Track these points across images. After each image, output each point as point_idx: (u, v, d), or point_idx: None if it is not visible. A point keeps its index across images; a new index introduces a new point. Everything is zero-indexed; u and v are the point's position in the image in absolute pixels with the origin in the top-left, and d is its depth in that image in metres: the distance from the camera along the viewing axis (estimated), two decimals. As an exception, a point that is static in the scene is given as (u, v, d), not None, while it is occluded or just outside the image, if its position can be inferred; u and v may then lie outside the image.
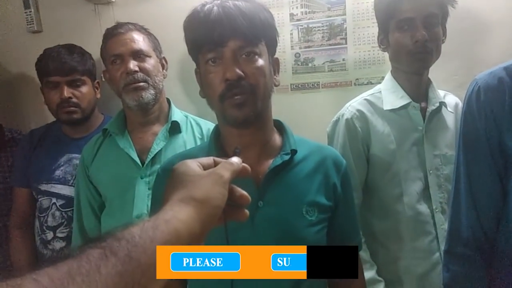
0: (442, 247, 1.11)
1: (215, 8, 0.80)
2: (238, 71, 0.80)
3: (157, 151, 1.30)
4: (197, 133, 1.38)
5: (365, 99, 1.29)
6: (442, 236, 1.17)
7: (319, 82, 1.57)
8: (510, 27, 1.37)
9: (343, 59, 1.53)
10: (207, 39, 0.81)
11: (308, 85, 1.58)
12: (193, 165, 0.56)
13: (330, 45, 1.53)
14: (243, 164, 0.60)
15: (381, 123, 1.24)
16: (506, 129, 0.84)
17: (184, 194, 0.50)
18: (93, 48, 1.57)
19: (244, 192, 0.58)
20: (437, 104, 1.24)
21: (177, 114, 1.39)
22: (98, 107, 1.62)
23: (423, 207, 1.21)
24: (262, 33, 0.84)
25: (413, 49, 1.15)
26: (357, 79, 1.53)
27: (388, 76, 1.30)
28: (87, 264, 0.37)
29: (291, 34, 1.56)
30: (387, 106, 1.25)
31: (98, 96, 1.59)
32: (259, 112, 0.85)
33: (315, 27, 1.54)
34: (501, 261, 0.88)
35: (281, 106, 1.59)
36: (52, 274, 0.35)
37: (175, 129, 1.35)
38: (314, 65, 1.56)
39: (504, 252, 0.87)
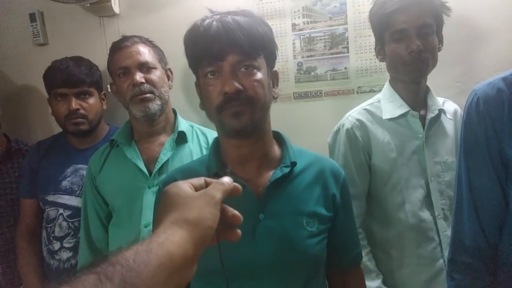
0: (446, 254, 1.15)
1: (214, 23, 0.82)
2: (236, 84, 0.82)
3: (164, 161, 1.32)
4: (203, 143, 1.40)
5: (364, 109, 1.30)
6: (445, 243, 1.18)
7: (321, 90, 1.59)
8: (508, 35, 1.40)
9: (345, 68, 1.55)
10: (206, 53, 0.83)
11: (311, 94, 1.60)
12: (185, 186, 0.56)
13: (332, 54, 1.56)
14: (234, 183, 0.61)
15: (381, 132, 1.25)
16: (505, 139, 0.85)
17: (176, 216, 0.51)
18: (99, 59, 1.60)
19: (236, 212, 0.59)
20: (436, 112, 1.26)
21: (183, 124, 1.41)
22: (104, 118, 1.64)
23: (425, 214, 1.22)
24: (260, 47, 0.86)
25: (409, 59, 1.17)
26: (359, 87, 1.55)
27: (387, 86, 1.32)
28: None
29: (294, 43, 1.59)
30: (386, 115, 1.26)
31: (105, 107, 1.61)
32: (256, 122, 0.86)
33: (317, 36, 1.56)
34: (504, 270, 0.88)
35: (284, 115, 1.63)
36: None
37: (181, 139, 1.37)
38: (317, 73, 1.58)
39: (507, 261, 0.87)
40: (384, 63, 1.29)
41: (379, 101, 1.30)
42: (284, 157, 0.93)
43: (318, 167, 0.94)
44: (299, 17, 1.57)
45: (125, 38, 1.38)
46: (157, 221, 0.52)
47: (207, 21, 0.84)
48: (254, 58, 0.85)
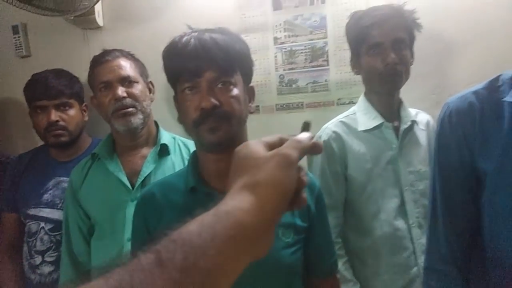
0: (420, 261, 1.18)
1: (192, 40, 0.85)
2: (213, 100, 0.84)
3: (146, 174, 1.32)
4: (185, 155, 1.41)
5: (341, 121, 1.34)
6: (420, 251, 1.22)
7: (303, 102, 1.62)
8: (479, 48, 1.44)
9: (326, 80, 1.58)
10: (184, 69, 0.86)
11: (292, 105, 1.63)
12: (257, 146, 0.48)
13: (312, 66, 1.59)
14: (314, 140, 0.51)
15: (357, 143, 1.29)
16: (477, 151, 0.88)
17: (246, 180, 0.44)
18: (82, 72, 1.59)
19: (302, 175, 0.49)
20: (409, 123, 1.30)
21: (165, 137, 1.42)
22: (86, 130, 1.64)
23: (400, 223, 1.24)
24: (237, 64, 0.89)
25: (384, 71, 1.21)
26: (339, 99, 1.58)
27: (362, 98, 1.36)
28: (140, 274, 0.33)
29: (276, 56, 1.61)
30: (361, 127, 1.30)
31: (86, 119, 1.61)
32: (233, 136, 0.88)
33: (298, 50, 1.59)
34: (477, 278, 0.91)
35: (267, 126, 1.65)
36: (104, 287, 0.32)
37: (163, 151, 1.38)
38: (298, 86, 1.61)
39: (479, 269, 0.90)
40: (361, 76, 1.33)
41: (355, 113, 1.34)
42: None
43: None
44: (280, 31, 1.60)
45: (106, 52, 1.39)
46: (227, 188, 0.46)
47: (185, 38, 0.87)
48: (230, 75, 0.87)
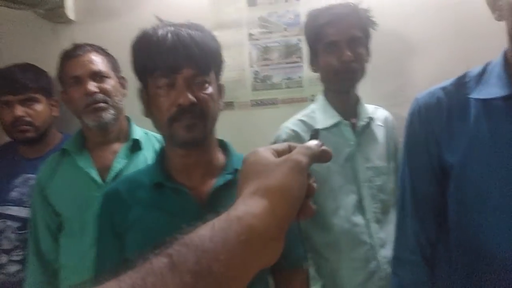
0: (378, 255, 1.22)
1: (169, 35, 0.84)
2: (191, 97, 0.85)
3: (118, 169, 1.30)
4: (158, 150, 1.39)
5: (299, 120, 1.34)
6: (378, 245, 1.23)
7: (277, 98, 1.63)
8: (445, 46, 1.48)
9: (299, 77, 1.60)
10: (161, 64, 0.85)
11: (267, 101, 1.63)
12: (267, 152, 0.48)
13: (287, 63, 1.60)
14: (324, 147, 0.51)
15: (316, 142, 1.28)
16: (444, 145, 0.91)
17: (257, 186, 0.43)
18: (52, 67, 1.55)
19: (312, 181, 0.49)
20: (366, 120, 1.31)
21: (137, 132, 1.40)
22: (58, 126, 1.60)
23: (358, 219, 1.25)
24: (212, 63, 0.90)
25: (340, 69, 1.23)
26: (312, 95, 1.59)
27: (320, 97, 1.37)
28: (153, 278, 0.33)
29: (250, 53, 1.62)
30: (319, 125, 1.29)
31: (55, 114, 1.57)
32: (207, 134, 0.91)
33: (272, 46, 1.60)
34: (443, 266, 0.94)
35: (242, 121, 1.65)
36: None
37: (135, 146, 1.36)
38: (273, 82, 1.62)
39: (445, 258, 0.94)
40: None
41: (314, 111, 1.35)
42: (228, 164, 0.96)
43: None
44: (255, 27, 1.60)
45: (77, 46, 1.36)
46: (237, 194, 0.46)
47: (161, 31, 0.86)
48: (207, 73, 0.89)
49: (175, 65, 0.84)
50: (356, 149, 1.28)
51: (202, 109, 0.87)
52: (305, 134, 1.29)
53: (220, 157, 0.99)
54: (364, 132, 1.31)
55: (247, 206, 0.41)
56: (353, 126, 1.31)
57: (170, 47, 0.83)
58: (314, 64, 1.33)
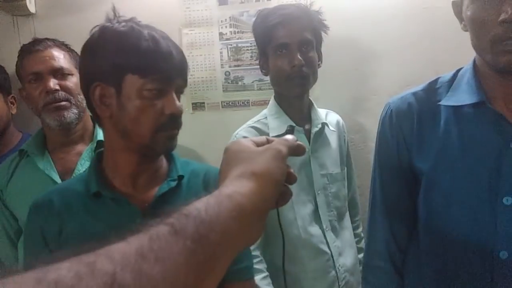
0: (337, 265, 1.22)
1: (161, 39, 0.81)
2: (181, 107, 0.84)
3: (82, 172, 1.24)
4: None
5: (251, 127, 1.28)
6: (336, 254, 1.22)
7: (249, 100, 1.60)
8: (415, 51, 1.51)
9: (271, 78, 1.57)
10: (160, 69, 0.80)
11: (238, 103, 1.61)
12: (248, 142, 0.53)
13: (258, 64, 1.56)
14: (299, 142, 0.56)
15: None
16: (414, 151, 0.91)
17: (242, 169, 0.47)
18: (11, 62, 1.47)
19: (292, 170, 0.54)
20: (320, 125, 1.26)
21: (102, 133, 1.34)
22: (17, 124, 1.52)
23: (315, 229, 1.22)
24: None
25: (291, 74, 1.17)
26: (284, 97, 1.58)
27: (272, 102, 1.31)
28: (158, 241, 0.35)
29: (221, 52, 1.58)
30: (272, 132, 1.23)
31: (14, 111, 1.49)
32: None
33: (244, 46, 1.57)
34: (413, 272, 0.95)
35: (212, 123, 1.62)
36: (125, 250, 0.34)
37: (100, 148, 1.30)
38: (244, 83, 1.59)
39: (415, 264, 0.94)
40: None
41: (266, 117, 1.29)
42: (171, 171, 0.92)
43: (203, 177, 0.94)
44: (226, 27, 1.57)
45: (37, 41, 1.29)
46: (221, 178, 0.49)
47: (150, 34, 0.80)
48: (186, 85, 0.89)
49: (172, 73, 0.82)
50: (310, 156, 1.24)
51: (181, 121, 0.86)
52: None
53: (164, 163, 0.94)
54: (318, 138, 1.27)
55: (235, 187, 0.44)
56: (307, 132, 1.26)
57: (172, 55, 0.81)
58: (264, 67, 1.27)
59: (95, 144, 1.30)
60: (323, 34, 1.27)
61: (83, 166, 1.25)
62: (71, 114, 1.24)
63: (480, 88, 0.83)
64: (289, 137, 0.56)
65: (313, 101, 1.31)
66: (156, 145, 0.83)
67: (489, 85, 0.83)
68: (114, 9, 0.87)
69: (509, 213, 0.79)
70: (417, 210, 0.93)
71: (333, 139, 1.31)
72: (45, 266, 0.30)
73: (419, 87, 0.96)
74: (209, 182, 0.94)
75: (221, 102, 1.62)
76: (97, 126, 1.36)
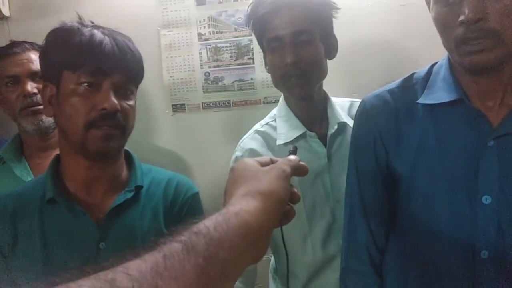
0: None
1: (103, 35, 0.79)
2: (116, 103, 0.79)
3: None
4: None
5: (258, 132, 1.14)
6: None
7: (229, 100, 1.60)
8: (397, 47, 1.53)
9: (251, 78, 1.58)
10: (91, 62, 0.77)
11: (219, 104, 1.61)
12: (253, 162, 0.55)
13: (238, 64, 1.57)
14: (301, 162, 0.58)
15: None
16: (392, 151, 0.88)
17: (248, 188, 0.49)
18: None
19: (295, 190, 0.56)
20: (336, 127, 1.09)
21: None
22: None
23: (331, 245, 1.08)
24: (140, 73, 0.87)
25: (285, 72, 1.01)
26: (265, 97, 1.58)
27: (281, 101, 1.15)
28: (172, 259, 0.37)
29: (200, 53, 1.58)
30: (280, 139, 1.08)
31: (-11, 118, 1.46)
32: (121, 148, 0.86)
33: (223, 47, 1.57)
34: (390, 273, 0.93)
35: (193, 124, 1.62)
36: (141, 267, 0.35)
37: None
38: (224, 84, 1.59)
39: (394, 267, 0.93)
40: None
41: (275, 119, 1.14)
42: (131, 179, 0.89)
43: (164, 186, 0.92)
44: (204, 27, 1.57)
45: (14, 44, 1.28)
46: (227, 196, 0.51)
47: (93, 30, 0.80)
48: (135, 83, 0.85)
49: (106, 66, 0.78)
50: (327, 163, 1.08)
51: (122, 121, 0.81)
52: (264, 150, 1.09)
53: (125, 170, 0.91)
54: (335, 141, 1.10)
55: (242, 205, 0.46)
56: (322, 135, 1.09)
57: (103, 46, 0.78)
58: (266, 63, 1.12)
59: (73, 149, 1.28)
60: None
61: (61, 171, 1.23)
62: (48, 118, 1.22)
63: (457, 85, 0.81)
64: (292, 157, 0.58)
65: (329, 95, 1.15)
66: (88, 143, 0.78)
67: (464, 82, 0.81)
68: (78, 14, 0.87)
69: (488, 212, 0.78)
70: (396, 210, 0.91)
71: None
72: (66, 284, 0.32)
73: (393, 84, 0.93)
74: (169, 192, 0.92)
75: (202, 103, 1.61)
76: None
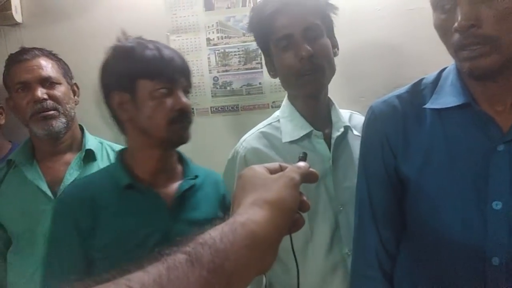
0: None
1: (164, 48, 0.98)
2: (189, 104, 0.99)
3: (70, 181, 1.23)
4: (113, 160, 1.34)
5: (261, 132, 1.12)
6: None
7: (238, 105, 1.61)
8: (406, 51, 1.52)
9: (260, 83, 1.58)
10: (163, 72, 0.95)
11: (227, 108, 1.61)
12: (262, 169, 0.54)
13: (246, 69, 1.58)
14: (311, 169, 0.57)
15: (281, 158, 1.05)
16: (400, 156, 0.87)
17: (255, 197, 0.48)
18: (-1, 72, 1.47)
19: (305, 198, 0.55)
20: (342, 129, 1.08)
21: (91, 142, 1.34)
22: (6, 134, 1.52)
23: (334, 252, 1.04)
24: (191, 75, 1.05)
25: (301, 68, 1.00)
26: (273, 102, 1.58)
27: (285, 102, 1.15)
28: (175, 271, 0.36)
29: (209, 58, 1.59)
30: (286, 138, 1.07)
31: (2, 122, 1.48)
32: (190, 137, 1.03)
33: (231, 51, 1.58)
34: (402, 280, 0.92)
35: (202, 128, 1.62)
36: (143, 279, 0.34)
37: (89, 157, 1.30)
38: (233, 88, 1.59)
39: (404, 271, 0.92)
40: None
41: (278, 120, 1.13)
42: (187, 171, 1.06)
43: (212, 179, 1.11)
44: (213, 32, 1.58)
45: (24, 50, 1.29)
46: (235, 204, 0.51)
47: (152, 44, 0.98)
48: (191, 85, 1.04)
49: (176, 74, 0.97)
50: (331, 166, 1.06)
51: (190, 116, 1.01)
52: (268, 150, 1.08)
53: (178, 165, 1.08)
54: (340, 144, 1.09)
55: (249, 214, 0.45)
56: (327, 138, 1.08)
57: (174, 59, 0.97)
58: (271, 69, 1.12)
59: (83, 153, 1.30)
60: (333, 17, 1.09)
61: (71, 175, 1.25)
62: (59, 123, 1.24)
63: (465, 89, 0.80)
64: (301, 164, 0.57)
65: (333, 100, 1.15)
66: (172, 136, 0.97)
67: (472, 86, 0.80)
68: (123, 32, 1.03)
69: (499, 218, 0.76)
70: (406, 215, 0.90)
71: (357, 145, 1.08)
72: None
73: (402, 89, 0.92)
74: (219, 184, 1.12)
75: (210, 107, 1.62)
76: (85, 135, 1.36)
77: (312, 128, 1.07)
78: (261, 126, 1.16)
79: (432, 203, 0.83)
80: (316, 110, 1.10)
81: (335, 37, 1.10)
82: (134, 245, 0.93)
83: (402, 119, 0.88)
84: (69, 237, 0.95)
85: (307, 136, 1.08)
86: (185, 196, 1.01)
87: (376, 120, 0.91)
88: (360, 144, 0.97)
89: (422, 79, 0.91)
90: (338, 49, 1.11)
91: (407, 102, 0.89)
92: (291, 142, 1.08)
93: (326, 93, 1.12)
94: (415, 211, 0.88)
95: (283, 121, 1.11)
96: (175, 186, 1.02)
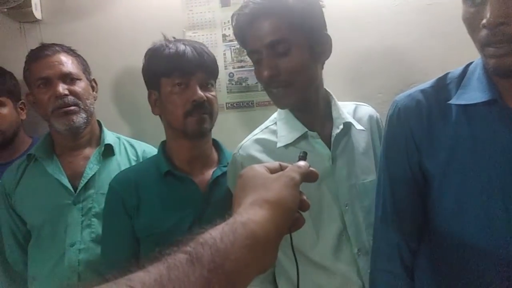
0: None
1: (184, 45, 1.06)
2: (203, 94, 1.05)
3: (90, 175, 1.26)
4: (131, 155, 1.36)
5: (257, 139, 1.08)
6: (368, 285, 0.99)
7: (253, 101, 1.61)
8: (422, 48, 1.51)
9: (275, 79, 1.58)
10: (179, 67, 1.03)
11: (243, 104, 1.62)
12: (262, 169, 0.55)
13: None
14: (311, 168, 0.58)
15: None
16: (424, 151, 0.86)
17: (256, 197, 0.49)
18: (19, 68, 1.49)
19: (305, 197, 0.56)
20: (341, 126, 1.04)
21: (109, 137, 1.36)
22: (27, 129, 1.54)
23: (342, 253, 1.00)
24: (216, 70, 1.13)
25: (266, 86, 1.00)
26: (289, 97, 1.58)
27: None
28: (176, 270, 0.36)
29: (224, 54, 1.59)
30: (280, 142, 1.03)
31: (23, 117, 1.51)
32: (210, 129, 1.12)
33: (247, 48, 1.58)
34: (424, 276, 0.91)
35: (217, 124, 1.63)
36: (144, 279, 0.35)
37: (108, 152, 1.32)
38: (248, 84, 1.60)
39: (426, 267, 0.91)
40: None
41: (275, 123, 1.10)
42: (221, 159, 1.16)
43: None
44: (229, 28, 1.58)
45: (45, 46, 1.31)
46: (235, 204, 0.51)
47: (176, 43, 1.07)
48: (213, 78, 1.11)
49: (190, 68, 1.04)
50: (332, 165, 1.02)
51: (209, 107, 1.07)
52: (264, 156, 1.04)
53: (214, 152, 1.18)
54: (340, 141, 1.05)
55: (249, 214, 0.46)
56: (327, 136, 1.05)
57: (186, 54, 1.04)
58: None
59: (102, 148, 1.32)
60: (324, 10, 1.01)
61: (91, 169, 1.27)
62: (79, 118, 1.26)
63: (492, 85, 0.78)
64: (301, 163, 0.57)
65: (332, 95, 1.11)
66: (188, 128, 1.05)
67: (499, 82, 0.78)
68: (164, 35, 1.13)
69: None
70: (428, 212, 0.89)
71: (362, 139, 1.07)
72: None
73: (427, 83, 0.90)
74: None
75: (226, 103, 1.62)
76: (104, 130, 1.38)
77: (306, 130, 1.03)
78: (258, 130, 1.12)
79: (456, 201, 0.82)
80: (309, 110, 1.05)
81: (322, 41, 1.00)
82: (171, 226, 1.03)
83: (426, 114, 0.86)
84: (117, 215, 1.08)
85: (304, 137, 1.04)
86: (218, 182, 1.10)
87: (400, 114, 0.90)
88: (383, 138, 0.95)
89: (447, 74, 0.89)
90: (330, 51, 1.02)
91: (432, 97, 0.87)
92: (287, 145, 1.03)
93: (317, 92, 1.05)
94: (438, 208, 0.87)
95: (280, 123, 1.08)
96: (209, 172, 1.12)
